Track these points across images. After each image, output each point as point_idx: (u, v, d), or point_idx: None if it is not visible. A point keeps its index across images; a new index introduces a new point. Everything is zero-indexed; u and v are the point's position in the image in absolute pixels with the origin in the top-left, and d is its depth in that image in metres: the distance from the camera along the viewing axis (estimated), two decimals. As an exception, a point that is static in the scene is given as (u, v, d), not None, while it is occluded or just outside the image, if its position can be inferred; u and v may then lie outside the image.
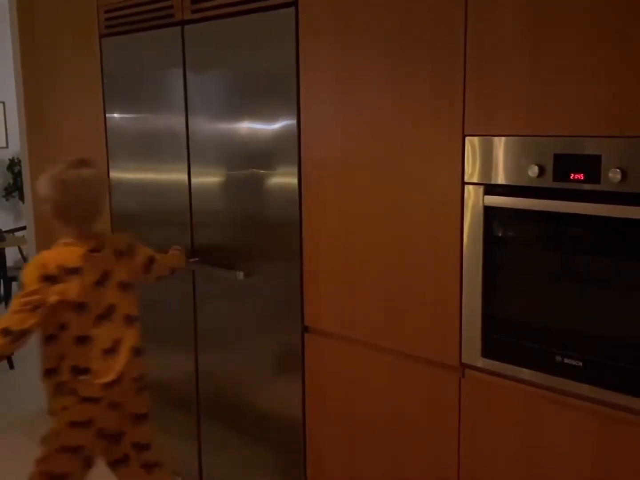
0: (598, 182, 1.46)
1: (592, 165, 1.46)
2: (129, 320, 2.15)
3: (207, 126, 2.38)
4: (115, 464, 2.22)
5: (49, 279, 2.00)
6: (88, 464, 2.18)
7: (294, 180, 2.11)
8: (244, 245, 2.33)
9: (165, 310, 2.71)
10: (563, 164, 1.51)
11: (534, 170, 1.54)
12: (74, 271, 2.05)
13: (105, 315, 2.11)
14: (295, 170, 2.10)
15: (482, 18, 1.61)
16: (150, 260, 2.28)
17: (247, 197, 2.28)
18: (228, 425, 2.52)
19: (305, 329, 2.17)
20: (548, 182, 1.54)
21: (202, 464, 2.66)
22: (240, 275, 2.29)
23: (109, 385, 2.07)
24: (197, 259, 2.49)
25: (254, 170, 2.24)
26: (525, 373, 1.64)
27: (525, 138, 1.57)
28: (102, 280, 2.10)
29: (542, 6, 1.51)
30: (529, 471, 1.66)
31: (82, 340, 2.08)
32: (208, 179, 2.41)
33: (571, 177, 1.50)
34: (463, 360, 1.76)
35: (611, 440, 1.51)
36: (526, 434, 1.65)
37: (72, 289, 2.03)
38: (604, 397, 1.51)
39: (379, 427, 1.99)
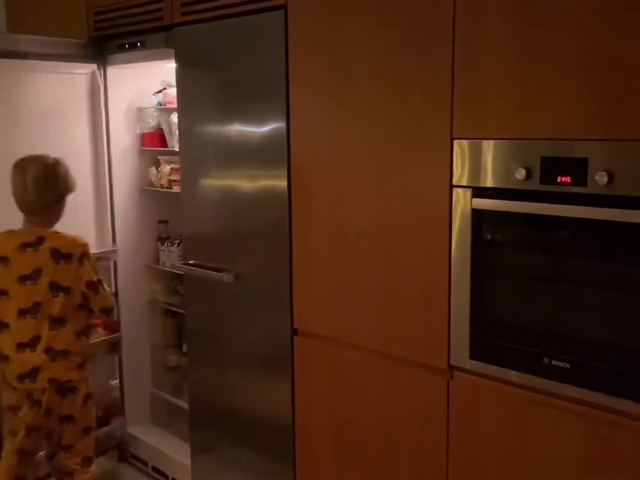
0: (585, 185, 1.46)
1: (579, 168, 1.47)
2: (54, 321, 2.17)
3: (196, 128, 2.38)
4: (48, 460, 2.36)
5: None
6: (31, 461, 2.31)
7: (283, 183, 2.10)
8: (233, 247, 2.33)
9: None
10: (550, 166, 1.52)
11: (521, 173, 1.55)
12: (2, 260, 2.14)
13: (30, 310, 2.14)
14: (284, 172, 2.09)
15: (470, 22, 1.61)
16: (88, 284, 2.23)
17: (236, 200, 2.28)
18: (218, 427, 2.51)
19: (295, 332, 2.16)
20: (535, 185, 1.54)
21: (192, 465, 2.65)
22: (230, 277, 2.29)
23: (21, 377, 2.14)
24: (186, 261, 2.48)
25: (243, 172, 2.24)
26: (513, 375, 1.64)
27: (513, 141, 1.58)
28: (33, 276, 2.14)
29: (530, 9, 1.52)
30: (517, 472, 1.67)
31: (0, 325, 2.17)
32: (197, 181, 2.40)
33: (558, 180, 1.50)
34: (451, 363, 1.76)
35: (599, 442, 1.51)
36: (514, 435, 1.66)
37: None
38: (591, 398, 1.52)
39: (368, 429, 1.99)
